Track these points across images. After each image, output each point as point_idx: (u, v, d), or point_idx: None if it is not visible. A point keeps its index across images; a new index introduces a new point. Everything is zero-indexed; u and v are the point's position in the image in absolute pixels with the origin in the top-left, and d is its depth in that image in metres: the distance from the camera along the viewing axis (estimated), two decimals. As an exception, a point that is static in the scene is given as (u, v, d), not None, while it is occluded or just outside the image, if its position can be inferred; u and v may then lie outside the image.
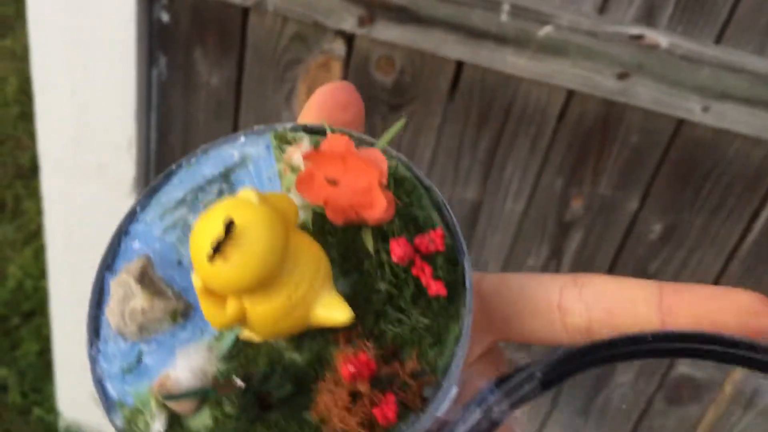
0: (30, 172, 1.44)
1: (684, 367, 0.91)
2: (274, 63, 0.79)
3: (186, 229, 0.24)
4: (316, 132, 0.25)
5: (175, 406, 0.22)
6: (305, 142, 0.24)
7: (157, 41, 0.81)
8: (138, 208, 0.25)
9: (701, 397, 0.93)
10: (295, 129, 0.25)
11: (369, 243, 0.23)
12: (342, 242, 0.23)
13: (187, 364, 0.22)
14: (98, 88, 0.82)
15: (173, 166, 0.25)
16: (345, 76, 0.78)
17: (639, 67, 0.70)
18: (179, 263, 0.24)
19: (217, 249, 0.19)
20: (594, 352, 0.22)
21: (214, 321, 0.21)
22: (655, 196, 0.80)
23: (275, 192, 0.24)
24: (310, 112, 0.24)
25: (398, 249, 0.22)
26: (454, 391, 0.22)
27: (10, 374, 1.27)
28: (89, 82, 0.82)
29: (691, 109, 0.72)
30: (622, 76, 0.71)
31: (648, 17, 0.70)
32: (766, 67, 0.69)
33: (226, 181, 0.25)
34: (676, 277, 0.85)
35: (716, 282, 0.85)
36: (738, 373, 0.97)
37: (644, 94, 0.71)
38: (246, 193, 0.21)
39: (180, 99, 0.84)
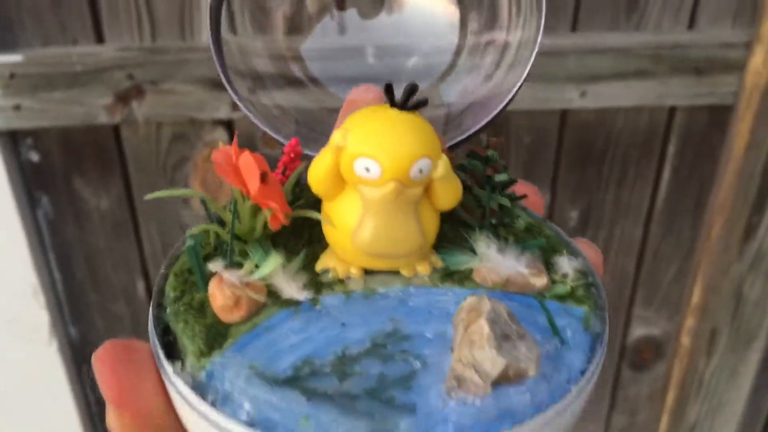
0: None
1: (640, 329, 0.94)
2: (160, 169, 0.77)
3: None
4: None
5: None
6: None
7: (34, 182, 0.77)
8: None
9: (664, 355, 0.95)
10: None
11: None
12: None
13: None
14: (-15, 245, 0.78)
15: None
16: (234, 160, 0.77)
17: (510, 73, 0.72)
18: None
19: None
20: None
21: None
22: (562, 186, 0.82)
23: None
24: None
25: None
26: None
27: None
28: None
29: (570, 98, 0.74)
30: (497, 86, 0.73)
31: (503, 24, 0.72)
32: (624, 40, 0.73)
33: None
34: (605, 254, 0.88)
35: (642, 246, 0.87)
36: (690, 321, 0.98)
37: (521, 96, 0.73)
38: None
39: (74, 232, 0.81)
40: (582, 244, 0.26)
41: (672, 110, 0.79)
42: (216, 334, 0.21)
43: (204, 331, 0.21)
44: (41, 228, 0.80)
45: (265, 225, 0.23)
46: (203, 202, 0.24)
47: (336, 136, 0.21)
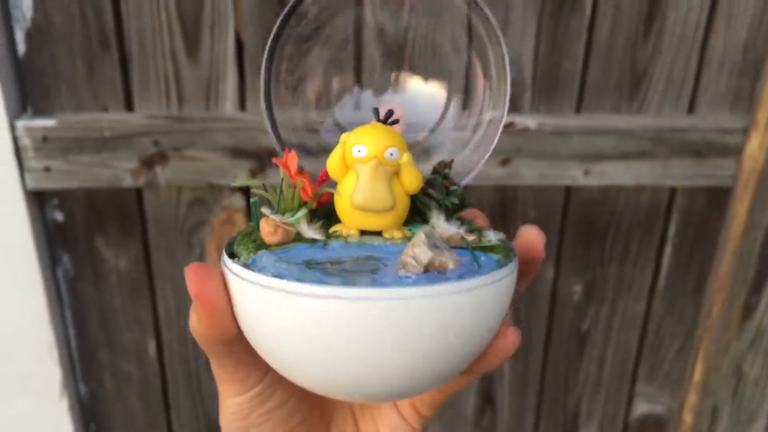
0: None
1: (642, 405, 0.94)
2: (178, 232, 0.80)
3: None
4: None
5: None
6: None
7: (57, 241, 0.80)
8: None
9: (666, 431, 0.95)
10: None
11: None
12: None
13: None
14: (5, 300, 0.80)
15: None
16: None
17: (518, 150, 0.75)
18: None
19: None
20: None
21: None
22: (566, 260, 0.85)
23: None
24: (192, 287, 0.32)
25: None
26: None
27: None
28: (-6, 299, 0.80)
29: (574, 175, 0.77)
30: (504, 163, 0.76)
31: (512, 105, 0.76)
32: (626, 122, 0.76)
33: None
34: (608, 329, 0.89)
35: (645, 322, 0.89)
36: (692, 398, 0.98)
37: (529, 173, 0.77)
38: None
39: (92, 291, 0.83)
40: (526, 228, 0.37)
41: (673, 191, 0.81)
42: (260, 247, 0.33)
43: (254, 247, 0.33)
44: (60, 286, 0.83)
45: (299, 206, 0.35)
46: (264, 185, 0.36)
47: (343, 136, 0.34)
